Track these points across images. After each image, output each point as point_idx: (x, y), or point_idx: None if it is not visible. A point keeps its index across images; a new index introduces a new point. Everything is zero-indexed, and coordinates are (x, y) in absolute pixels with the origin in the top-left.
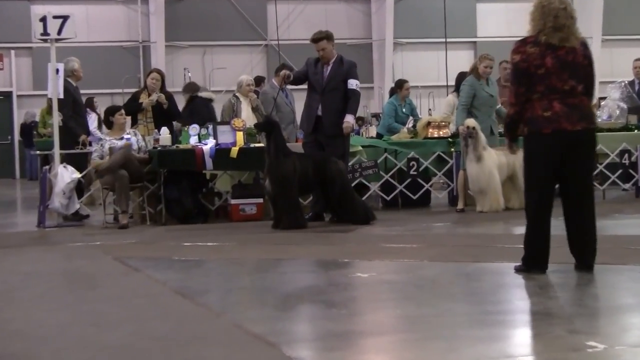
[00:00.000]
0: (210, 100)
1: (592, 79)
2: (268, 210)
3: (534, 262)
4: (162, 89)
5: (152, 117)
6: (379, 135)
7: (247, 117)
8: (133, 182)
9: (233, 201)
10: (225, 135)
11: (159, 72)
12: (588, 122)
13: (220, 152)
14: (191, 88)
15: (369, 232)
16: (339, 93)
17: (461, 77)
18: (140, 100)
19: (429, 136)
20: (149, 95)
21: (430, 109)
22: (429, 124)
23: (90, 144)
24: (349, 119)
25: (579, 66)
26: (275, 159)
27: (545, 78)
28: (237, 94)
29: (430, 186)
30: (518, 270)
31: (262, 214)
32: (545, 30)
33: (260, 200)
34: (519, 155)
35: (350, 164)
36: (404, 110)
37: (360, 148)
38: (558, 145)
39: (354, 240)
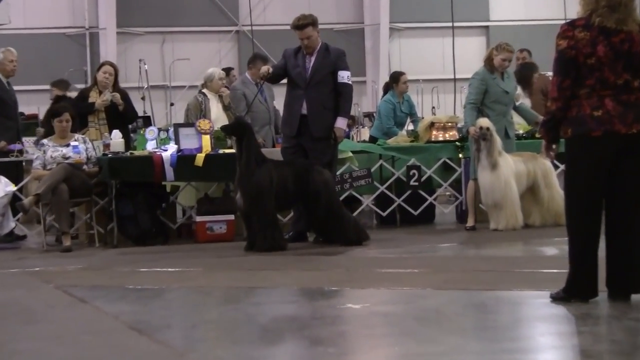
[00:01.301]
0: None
1: None
2: (240, 229)
3: (578, 289)
4: (115, 85)
5: (106, 119)
6: (373, 139)
7: (217, 117)
8: (78, 196)
9: (199, 218)
10: (189, 140)
11: (112, 65)
12: None
13: (183, 160)
14: (60, 85)
15: (361, 254)
16: (326, 87)
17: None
18: (92, 100)
19: (433, 139)
20: (100, 92)
21: (434, 107)
22: (432, 124)
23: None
24: (342, 124)
25: (635, 56)
26: (247, 167)
27: (596, 70)
28: (204, 90)
29: (435, 199)
30: (556, 298)
31: (233, 234)
32: (599, 10)
33: (231, 217)
34: (541, 163)
35: (338, 173)
36: (402, 109)
37: (351, 154)
38: (609, 150)
39: (344, 264)
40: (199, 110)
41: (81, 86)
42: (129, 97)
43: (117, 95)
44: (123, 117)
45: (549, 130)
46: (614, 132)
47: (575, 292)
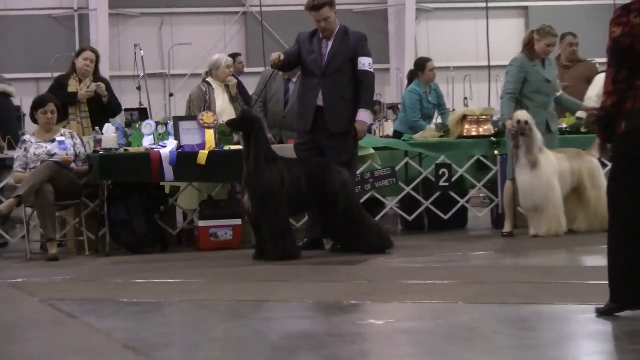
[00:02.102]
0: (8, 95)
1: None
2: (248, 235)
3: (628, 302)
4: (96, 74)
5: (88, 111)
6: (397, 134)
7: (223, 109)
8: (66, 198)
9: (201, 223)
10: (190, 135)
11: (93, 51)
12: None
13: (184, 158)
14: None
15: (383, 264)
16: (344, 76)
17: None
18: (72, 89)
19: (465, 134)
20: (80, 81)
21: (466, 98)
22: (464, 117)
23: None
24: (365, 117)
25: None
26: (256, 166)
27: None
28: (209, 80)
29: (467, 202)
30: (603, 313)
31: (239, 241)
32: None
33: (238, 222)
34: (587, 161)
35: (358, 172)
36: (430, 99)
37: (373, 151)
38: None
39: (364, 275)
40: (202, 102)
41: None
42: (111, 88)
43: (102, 85)
44: (107, 109)
45: (604, 128)
46: None
47: (625, 305)
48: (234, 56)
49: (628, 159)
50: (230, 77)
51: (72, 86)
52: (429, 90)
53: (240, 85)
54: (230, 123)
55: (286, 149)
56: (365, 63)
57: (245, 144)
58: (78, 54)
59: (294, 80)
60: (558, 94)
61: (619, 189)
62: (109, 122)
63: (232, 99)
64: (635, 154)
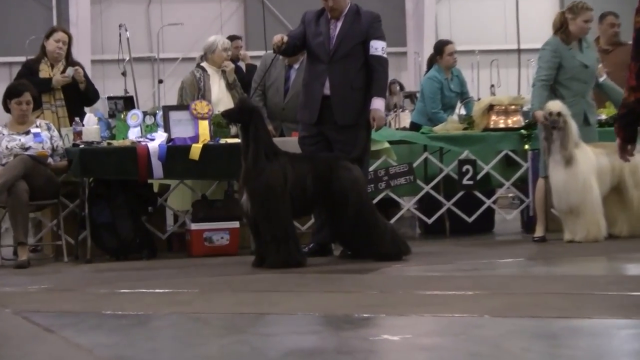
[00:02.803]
0: None
1: None
2: (246, 239)
3: None
4: (68, 57)
5: (64, 99)
6: (415, 126)
7: (220, 98)
8: (42, 197)
9: (194, 226)
10: (182, 127)
11: (64, 32)
12: None
13: (175, 152)
14: None
15: (399, 272)
16: (355, 61)
17: None
18: (43, 75)
19: (492, 127)
20: (52, 66)
21: (493, 86)
22: (491, 108)
23: None
24: (380, 105)
25: None
26: (255, 162)
27: None
28: (203, 64)
29: (494, 202)
30: None
31: (237, 246)
32: None
33: (235, 224)
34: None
35: (371, 169)
36: (451, 87)
37: (387, 145)
38: None
39: (378, 285)
40: (196, 89)
41: None
42: (86, 73)
43: (80, 70)
44: (83, 97)
45: (626, 127)
46: None
47: None
48: (231, 39)
49: None
50: (227, 61)
51: (44, 71)
52: (451, 76)
53: (238, 72)
54: (226, 113)
55: (289, 143)
56: (378, 47)
57: (244, 137)
58: (48, 35)
59: (296, 66)
60: (601, 79)
61: None
62: (87, 112)
63: (230, 86)
64: None
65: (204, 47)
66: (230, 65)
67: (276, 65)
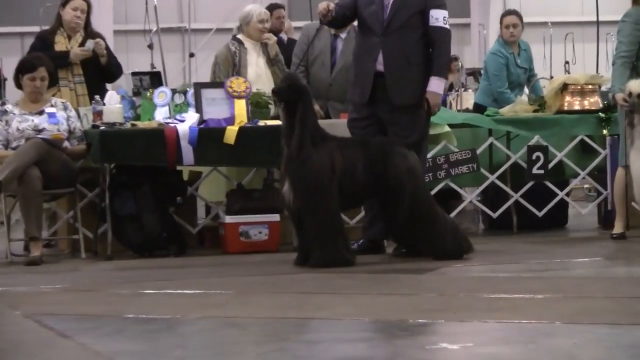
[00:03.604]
0: None
1: None
2: (288, 234)
3: None
4: (87, 27)
5: (83, 75)
6: (479, 108)
7: (259, 75)
8: (58, 185)
9: (229, 219)
10: (216, 107)
11: None
12: None
13: (208, 136)
14: None
15: (460, 273)
16: (412, 34)
17: None
18: (60, 48)
19: (566, 109)
20: (69, 37)
21: (567, 62)
22: (565, 87)
23: None
24: (438, 86)
25: None
26: (301, 148)
27: None
28: (240, 36)
29: (568, 195)
30: None
31: (277, 242)
32: None
33: (275, 217)
34: None
35: (430, 156)
36: (518, 62)
37: (448, 129)
38: None
39: (436, 287)
40: (231, 65)
41: None
42: (107, 45)
43: (101, 43)
44: (105, 72)
45: None
46: None
47: None
48: (272, 8)
49: None
50: (267, 34)
51: (60, 44)
52: (518, 50)
53: (279, 46)
54: (277, 90)
55: (338, 125)
56: (439, 17)
57: (288, 119)
58: (64, 3)
59: (343, 36)
60: None
61: None
62: (109, 89)
63: (271, 62)
64: None
65: (239, 17)
66: (272, 38)
67: (320, 37)
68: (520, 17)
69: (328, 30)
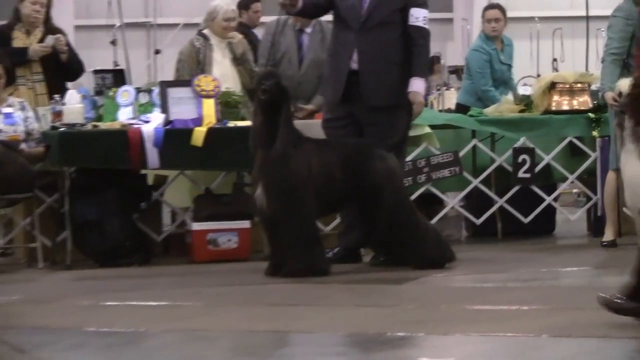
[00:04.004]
0: None
1: None
2: (260, 242)
3: None
4: (47, 22)
5: (43, 72)
6: (462, 108)
7: (223, 74)
8: (14, 190)
9: (196, 226)
10: (183, 106)
11: None
12: None
13: (174, 137)
14: None
15: (442, 282)
16: (392, 31)
17: None
18: (18, 44)
19: (554, 109)
20: (28, 32)
21: (555, 60)
22: (553, 86)
23: None
24: (420, 86)
25: None
26: (280, 149)
27: None
28: (205, 32)
29: (556, 200)
30: None
31: (248, 250)
32: None
33: (246, 224)
34: None
35: (409, 158)
36: (502, 58)
37: (429, 130)
38: None
39: (416, 297)
40: (195, 62)
41: None
42: (69, 41)
43: (62, 38)
44: (66, 70)
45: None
46: None
47: None
48: (246, 4)
49: None
50: (232, 32)
51: (19, 39)
52: (502, 46)
53: (252, 42)
54: (267, 89)
55: (313, 127)
56: (419, 16)
57: (266, 119)
58: None
59: (308, 30)
60: None
61: None
62: (69, 88)
63: (237, 61)
64: None
65: (206, 12)
66: (237, 37)
67: (284, 33)
68: (503, 11)
69: (292, 26)
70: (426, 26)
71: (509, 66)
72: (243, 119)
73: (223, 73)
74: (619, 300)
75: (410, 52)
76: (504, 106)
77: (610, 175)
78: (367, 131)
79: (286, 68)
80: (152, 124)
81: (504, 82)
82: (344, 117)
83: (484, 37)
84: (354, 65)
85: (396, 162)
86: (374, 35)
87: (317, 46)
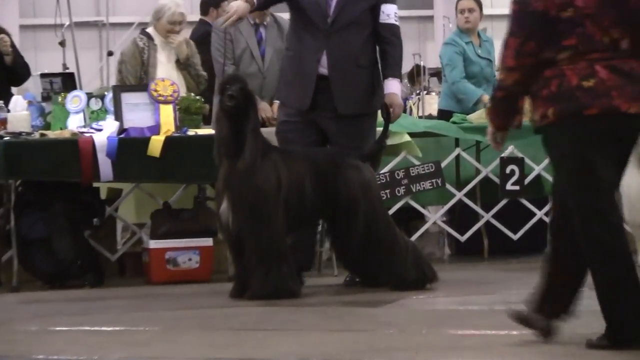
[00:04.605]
0: None
1: None
2: (222, 261)
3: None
4: None
5: None
6: (444, 114)
7: (169, 77)
8: None
9: (153, 244)
10: (138, 113)
11: None
12: None
13: (129, 147)
14: None
15: (423, 305)
16: (360, 31)
17: None
18: None
19: None
20: None
21: None
22: None
23: None
24: (395, 88)
25: (627, 5)
26: (243, 161)
27: (577, 25)
28: (150, 30)
29: (547, 214)
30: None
31: (210, 270)
32: None
33: (208, 242)
34: None
35: (387, 169)
36: (479, 52)
37: (408, 138)
38: (608, 136)
39: (395, 322)
40: (139, 64)
41: None
42: (13, 42)
43: (6, 39)
44: (11, 74)
45: (502, 112)
46: (614, 109)
47: (620, 337)
48: (218, 1)
49: (574, 154)
50: (173, 36)
51: None
52: (479, 42)
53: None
54: (234, 95)
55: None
56: (390, 13)
57: (233, 127)
58: None
59: (266, 23)
60: None
61: (577, 196)
62: (14, 93)
63: (181, 65)
64: (579, 146)
65: (153, 11)
66: (176, 40)
67: (241, 29)
68: (479, 3)
69: (247, 22)
70: (397, 23)
71: (490, 61)
72: (207, 125)
73: (167, 76)
74: (526, 313)
75: (382, 53)
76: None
77: None
78: (334, 141)
79: (248, 64)
80: (105, 132)
81: (485, 79)
82: (302, 121)
83: (458, 30)
84: (323, 70)
85: (372, 172)
86: (344, 37)
87: (276, 38)
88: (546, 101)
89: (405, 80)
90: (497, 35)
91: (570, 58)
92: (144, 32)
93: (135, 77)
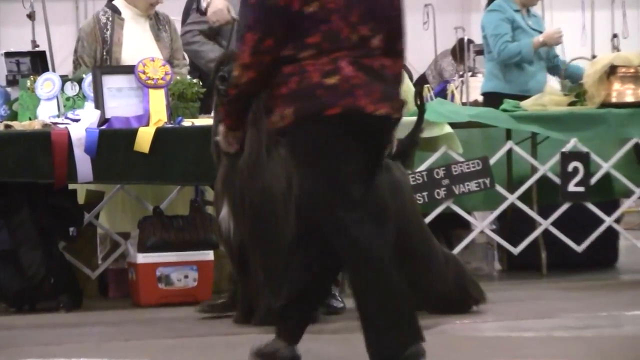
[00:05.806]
0: None
1: (399, 26)
2: (224, 279)
3: None
4: None
5: None
6: (492, 99)
7: (140, 50)
8: None
9: (141, 258)
10: (123, 100)
11: None
12: (394, 105)
13: (112, 141)
14: None
15: (468, 332)
16: None
17: None
18: None
19: (614, 101)
20: None
21: (615, 36)
22: (613, 71)
23: None
24: None
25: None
26: (245, 158)
27: (322, 21)
28: (117, 2)
29: (618, 221)
30: None
31: (209, 290)
32: None
33: (207, 255)
34: None
35: (426, 167)
36: (530, 22)
37: (449, 130)
38: (354, 136)
39: (434, 351)
40: (99, 42)
41: None
42: None
43: None
44: None
45: (235, 112)
46: (358, 109)
47: None
48: None
49: (316, 157)
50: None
51: None
52: (528, 14)
53: None
54: (224, 77)
55: None
56: None
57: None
58: None
59: None
60: None
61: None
62: None
63: (159, 37)
64: (321, 149)
65: None
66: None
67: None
68: None
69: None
70: None
71: (540, 33)
72: (206, 114)
73: (139, 48)
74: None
75: None
76: (548, 97)
77: None
78: None
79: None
80: (83, 123)
81: (538, 57)
82: None
83: None
84: None
85: (403, 172)
86: None
87: None
88: (285, 100)
89: (450, 58)
90: (566, 7)
91: (314, 56)
92: (109, 5)
93: (93, 57)
